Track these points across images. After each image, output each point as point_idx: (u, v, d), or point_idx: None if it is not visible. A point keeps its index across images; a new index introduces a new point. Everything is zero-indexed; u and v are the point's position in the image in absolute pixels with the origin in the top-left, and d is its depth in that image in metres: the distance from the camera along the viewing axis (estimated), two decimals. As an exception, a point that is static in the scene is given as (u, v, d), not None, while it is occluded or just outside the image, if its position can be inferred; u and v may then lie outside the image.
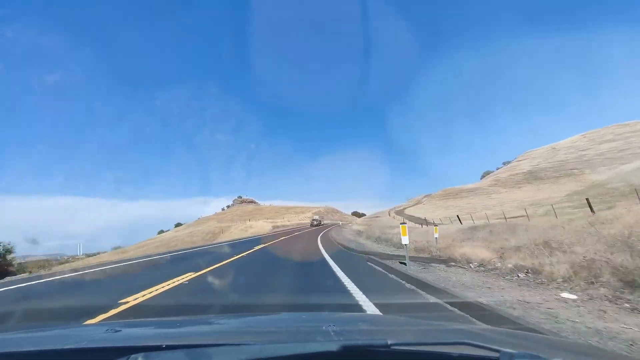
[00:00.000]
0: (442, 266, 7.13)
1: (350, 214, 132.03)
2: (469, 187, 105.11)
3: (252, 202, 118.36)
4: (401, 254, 8.77)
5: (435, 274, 6.14)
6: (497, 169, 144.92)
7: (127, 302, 4.84)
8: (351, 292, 4.99)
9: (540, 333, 2.65)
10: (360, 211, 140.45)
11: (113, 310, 4.35)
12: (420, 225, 42.55)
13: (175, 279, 6.84)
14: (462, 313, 3.67)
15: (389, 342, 0.93)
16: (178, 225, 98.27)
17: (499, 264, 6.38)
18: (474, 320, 3.41)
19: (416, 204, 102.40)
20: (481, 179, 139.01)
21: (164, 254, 18.56)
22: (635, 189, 22.43)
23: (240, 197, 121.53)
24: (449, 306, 4.00)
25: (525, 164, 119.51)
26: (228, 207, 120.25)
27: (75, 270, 11.79)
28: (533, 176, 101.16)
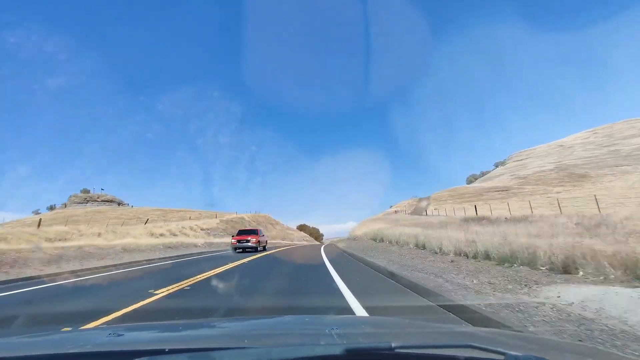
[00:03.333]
0: None
1: (295, 227, 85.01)
2: (494, 186, 67.82)
3: (112, 201, 64.63)
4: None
5: None
6: (482, 172, 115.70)
7: None
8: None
9: (545, 336, 2.58)
10: (311, 224, 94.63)
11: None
12: None
13: None
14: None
15: (393, 345, 0.91)
16: None
17: None
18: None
19: (412, 210, 60.10)
20: (468, 182, 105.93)
21: None
22: None
23: (86, 192, 65.88)
24: None
25: (536, 163, 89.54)
26: (51, 208, 63.41)
27: None
28: (573, 173, 68.24)
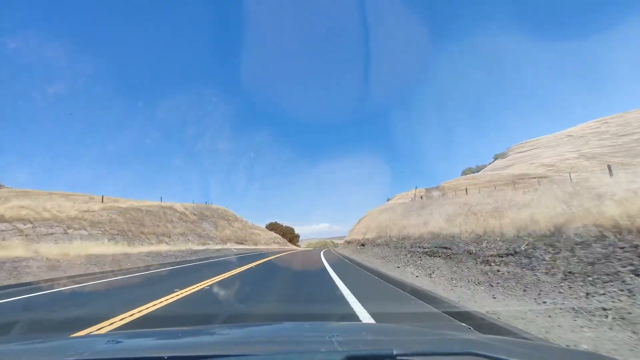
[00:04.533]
0: None
1: (264, 227, 66.78)
2: (524, 173, 54.00)
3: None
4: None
5: None
6: (478, 167, 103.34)
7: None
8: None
9: (549, 343, 2.45)
10: (285, 224, 76.38)
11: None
12: None
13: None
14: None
15: (395, 352, 0.91)
16: None
17: None
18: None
19: (425, 198, 44.01)
20: (462, 174, 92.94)
21: None
22: None
23: None
24: None
25: (549, 152, 77.52)
26: None
27: None
28: (609, 161, 55.70)
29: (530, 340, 2.39)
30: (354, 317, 3.80)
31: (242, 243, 36.55)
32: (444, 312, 3.77)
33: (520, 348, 1.23)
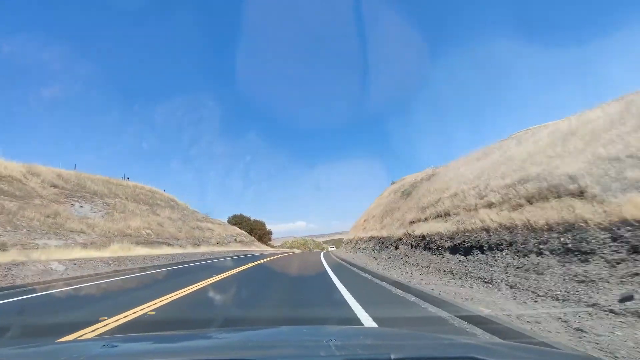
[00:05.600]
0: None
1: (225, 220, 50.80)
2: None
3: None
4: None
5: None
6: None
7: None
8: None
9: (551, 347, 2.37)
10: (254, 218, 60.22)
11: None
12: None
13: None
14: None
15: (392, 356, 0.90)
16: None
17: None
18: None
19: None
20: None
21: None
22: None
23: None
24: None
25: None
26: None
27: None
28: None
29: (530, 344, 2.27)
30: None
31: (167, 244, 20.66)
32: (456, 316, 3.84)
33: (520, 352, 1.22)
